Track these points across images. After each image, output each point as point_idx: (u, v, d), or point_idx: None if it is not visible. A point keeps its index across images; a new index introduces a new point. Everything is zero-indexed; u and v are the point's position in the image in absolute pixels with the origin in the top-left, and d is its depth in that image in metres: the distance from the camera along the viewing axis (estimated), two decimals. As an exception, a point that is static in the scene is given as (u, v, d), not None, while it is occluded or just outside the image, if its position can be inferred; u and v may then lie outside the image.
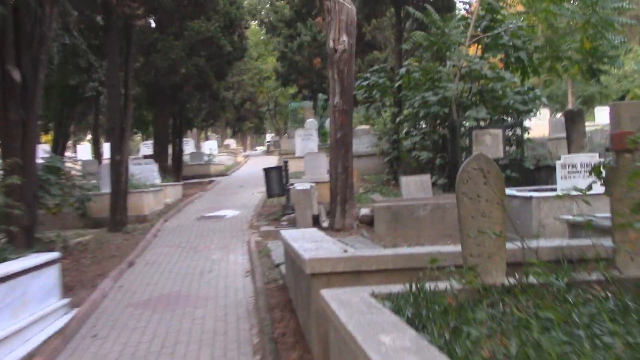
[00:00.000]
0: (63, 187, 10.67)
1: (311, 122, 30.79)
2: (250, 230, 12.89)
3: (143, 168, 17.54)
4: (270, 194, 13.44)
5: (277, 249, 10.24)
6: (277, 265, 8.79)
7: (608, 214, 4.48)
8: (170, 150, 23.88)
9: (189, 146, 33.14)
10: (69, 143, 36.18)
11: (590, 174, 4.49)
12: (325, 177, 13.94)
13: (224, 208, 16.53)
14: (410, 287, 3.83)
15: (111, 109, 13.71)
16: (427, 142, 14.54)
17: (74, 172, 13.84)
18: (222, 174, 27.27)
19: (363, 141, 21.28)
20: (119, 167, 13.56)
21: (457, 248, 4.91)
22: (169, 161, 23.12)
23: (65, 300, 7.41)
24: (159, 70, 18.73)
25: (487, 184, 4.26)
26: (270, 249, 10.33)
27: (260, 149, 66.00)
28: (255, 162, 35.16)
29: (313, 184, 12.31)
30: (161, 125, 21.47)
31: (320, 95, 26.53)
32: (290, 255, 6.27)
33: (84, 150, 32.05)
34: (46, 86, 21.12)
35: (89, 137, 40.61)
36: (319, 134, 22.94)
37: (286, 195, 13.40)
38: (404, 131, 18.12)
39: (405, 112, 16.02)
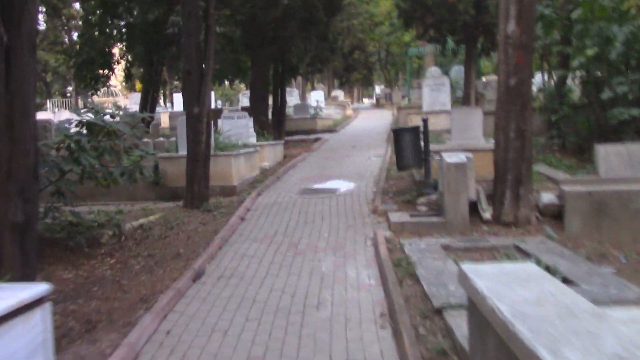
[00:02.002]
0: (104, 152, 7.26)
1: (434, 71, 26.29)
2: (374, 216, 9.07)
3: (235, 123, 14.13)
4: (402, 164, 9.52)
5: (425, 260, 6.41)
6: (439, 311, 4.91)
7: None
8: (270, 101, 20.37)
9: (292, 97, 29.62)
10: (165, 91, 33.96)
11: None
12: (481, 143, 9.81)
13: (334, 177, 12.80)
14: None
15: (187, 45, 10.18)
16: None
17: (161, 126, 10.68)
18: (330, 130, 23.57)
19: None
20: (197, 124, 10.11)
21: None
22: (269, 114, 19.62)
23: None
24: (257, 2, 15.02)
25: None
26: (412, 260, 6.47)
27: (368, 101, 61.96)
28: (366, 117, 31.34)
29: (469, 155, 8.24)
30: (259, 72, 17.89)
31: (449, 40, 21.88)
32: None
33: (181, 100, 29.24)
34: (126, 25, 18.24)
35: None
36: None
37: (425, 167, 9.43)
38: (566, 81, 13.55)
39: (589, 52, 11.39)
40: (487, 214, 8.20)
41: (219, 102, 37.29)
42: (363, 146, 17.97)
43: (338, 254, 7.24)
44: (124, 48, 18.78)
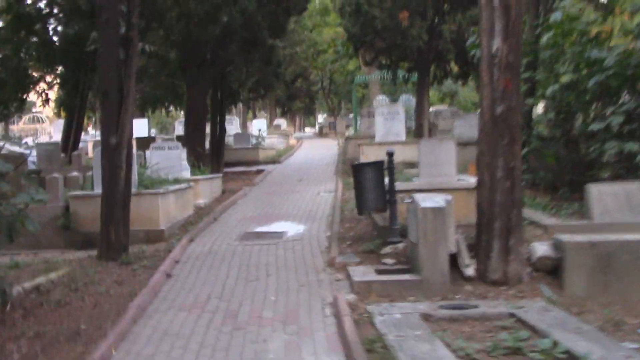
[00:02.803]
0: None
1: (382, 100, 25.21)
2: (331, 271, 7.45)
3: (166, 154, 12.33)
4: (363, 207, 7.96)
5: (406, 341, 4.88)
6: None
7: None
8: (208, 130, 18.58)
9: (233, 126, 27.86)
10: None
11: None
12: (452, 180, 8.38)
13: (279, 218, 11.16)
14: None
15: (105, 61, 8.43)
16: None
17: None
18: (274, 161, 21.94)
19: (469, 123, 15.57)
20: (115, 156, 8.30)
21: None
22: (206, 144, 17.83)
23: None
24: (192, 17, 13.38)
25: None
26: (388, 340, 4.88)
27: (310, 130, 60.77)
28: (310, 146, 29.95)
29: (448, 198, 6.77)
30: (196, 97, 16.13)
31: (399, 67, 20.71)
32: None
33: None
34: (43, 42, 16.22)
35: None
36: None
37: (390, 210, 7.92)
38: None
39: (564, 78, 10.25)
40: (470, 270, 6.72)
41: (153, 130, 35.18)
42: (310, 180, 16.42)
43: (289, 329, 5.57)
44: (43, 68, 16.66)
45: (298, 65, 41.99)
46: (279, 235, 9.66)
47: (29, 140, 23.31)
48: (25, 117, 39.14)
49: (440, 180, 8.19)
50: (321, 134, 44.47)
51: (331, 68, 40.31)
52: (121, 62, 8.45)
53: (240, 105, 38.02)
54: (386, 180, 8.03)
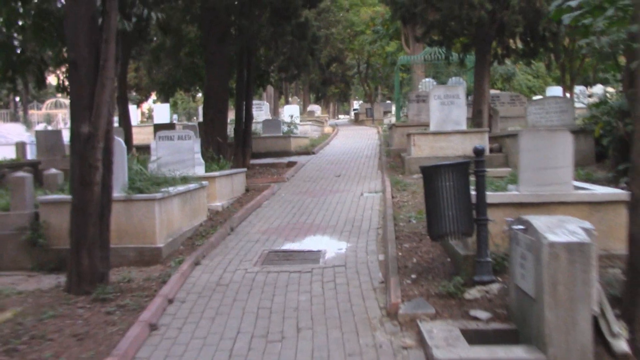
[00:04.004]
0: None
1: (429, 83, 22.51)
2: (392, 326, 4.97)
3: (175, 146, 9.99)
4: (439, 229, 5.40)
5: None
6: None
7: None
8: (233, 117, 16.21)
9: (262, 112, 25.42)
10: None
11: None
12: (569, 190, 5.74)
13: (315, 229, 8.70)
14: None
15: (72, 19, 6.06)
16: None
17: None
18: (307, 152, 19.46)
19: (546, 109, 12.87)
20: (87, 151, 5.97)
21: None
22: (230, 132, 15.45)
23: None
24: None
25: None
26: None
27: (344, 117, 58.22)
28: (347, 135, 27.47)
29: (587, 226, 4.22)
30: (217, 78, 13.70)
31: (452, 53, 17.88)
32: None
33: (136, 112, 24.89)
34: (40, 13, 13.95)
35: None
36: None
37: (479, 235, 5.38)
38: None
39: None
40: (621, 343, 4.17)
41: (175, 116, 32.96)
42: (351, 176, 13.92)
43: None
44: (40, 45, 14.34)
45: (334, 47, 39.50)
46: (314, 256, 7.21)
47: (40, 127, 21.37)
48: (48, 102, 37.33)
49: (551, 189, 5.59)
50: (357, 121, 41.91)
51: (369, 50, 37.51)
52: (96, 19, 6.09)
53: (271, 90, 35.61)
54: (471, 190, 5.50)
